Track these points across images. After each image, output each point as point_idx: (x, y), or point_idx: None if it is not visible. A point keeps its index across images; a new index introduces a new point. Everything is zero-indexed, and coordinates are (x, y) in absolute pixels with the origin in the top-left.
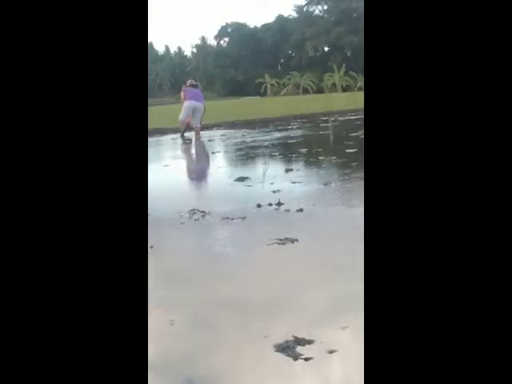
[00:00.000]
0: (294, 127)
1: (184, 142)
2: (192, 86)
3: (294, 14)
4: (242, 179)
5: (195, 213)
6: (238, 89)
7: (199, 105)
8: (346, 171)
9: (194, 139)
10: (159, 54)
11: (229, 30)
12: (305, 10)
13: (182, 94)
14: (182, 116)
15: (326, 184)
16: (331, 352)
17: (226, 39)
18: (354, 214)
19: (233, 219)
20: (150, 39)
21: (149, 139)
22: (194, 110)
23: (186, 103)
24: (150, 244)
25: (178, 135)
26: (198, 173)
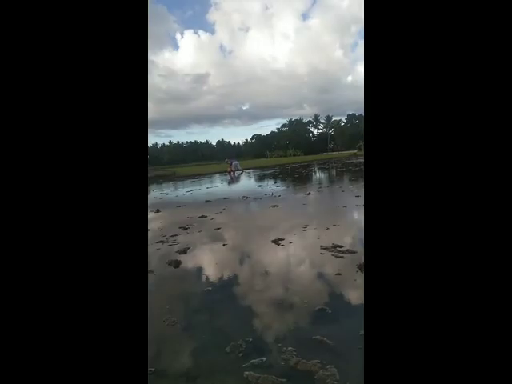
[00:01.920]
0: (278, 169)
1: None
2: (230, 159)
3: (286, 127)
4: (259, 186)
5: (245, 197)
6: (262, 156)
7: (237, 163)
8: (297, 183)
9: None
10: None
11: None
12: (294, 123)
13: (228, 163)
14: (234, 167)
15: (288, 186)
16: (291, 243)
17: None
18: (303, 197)
19: (256, 199)
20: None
21: (219, 176)
22: (237, 165)
23: (234, 163)
24: (223, 207)
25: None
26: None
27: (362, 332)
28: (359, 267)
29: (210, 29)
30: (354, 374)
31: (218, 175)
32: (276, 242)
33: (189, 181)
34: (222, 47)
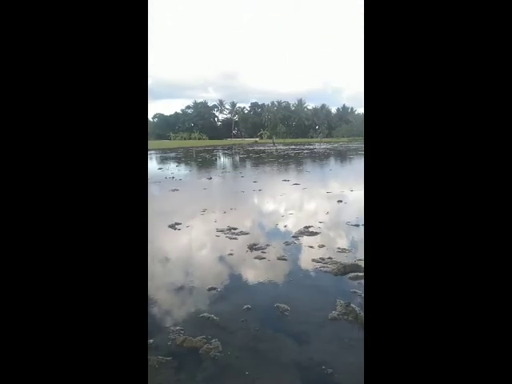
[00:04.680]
0: (181, 153)
1: None
2: None
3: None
4: (160, 169)
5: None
6: (165, 137)
7: None
8: (200, 167)
9: None
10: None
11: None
12: (200, 106)
13: None
14: None
15: (191, 170)
16: (188, 227)
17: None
18: (205, 181)
19: (155, 182)
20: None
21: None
22: None
23: None
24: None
25: None
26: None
27: (246, 306)
28: (249, 247)
29: None
30: (235, 345)
31: None
32: (173, 226)
33: None
34: None
